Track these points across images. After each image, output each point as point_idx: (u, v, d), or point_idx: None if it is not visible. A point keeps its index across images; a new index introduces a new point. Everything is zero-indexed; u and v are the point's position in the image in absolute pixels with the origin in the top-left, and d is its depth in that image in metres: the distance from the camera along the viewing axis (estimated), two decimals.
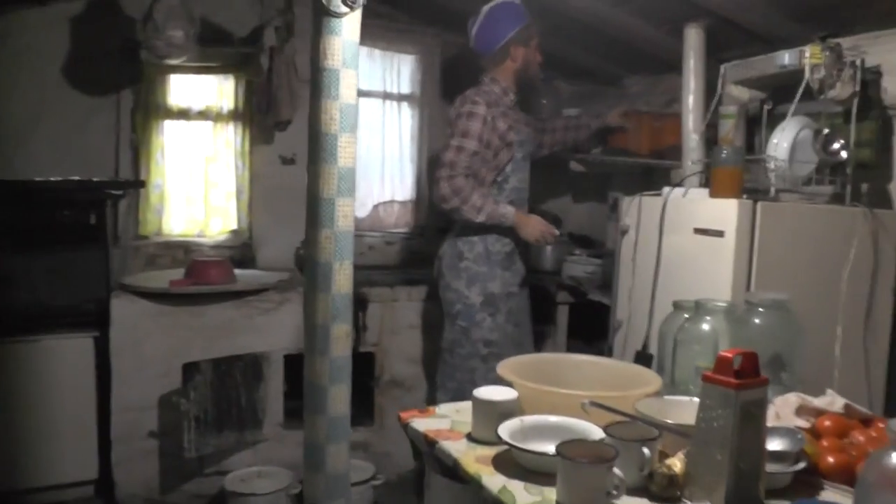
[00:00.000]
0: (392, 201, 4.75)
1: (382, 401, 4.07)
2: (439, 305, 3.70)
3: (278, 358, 3.82)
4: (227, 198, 4.37)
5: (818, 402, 1.79)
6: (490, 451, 1.64)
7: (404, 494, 3.95)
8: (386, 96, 4.64)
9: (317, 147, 2.00)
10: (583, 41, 4.07)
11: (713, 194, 2.61)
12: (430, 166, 4.57)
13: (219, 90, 4.30)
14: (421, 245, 4.72)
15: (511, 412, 1.68)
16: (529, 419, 1.65)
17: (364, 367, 3.97)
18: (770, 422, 1.64)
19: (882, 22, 2.74)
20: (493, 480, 1.51)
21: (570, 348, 4.07)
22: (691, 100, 3.13)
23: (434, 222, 4.69)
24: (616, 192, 4.43)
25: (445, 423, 1.83)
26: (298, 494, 3.63)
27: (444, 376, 3.62)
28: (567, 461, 1.37)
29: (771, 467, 1.45)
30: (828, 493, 1.48)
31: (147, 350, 3.62)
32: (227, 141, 4.33)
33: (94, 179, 3.84)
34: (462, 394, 3.02)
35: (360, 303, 3.91)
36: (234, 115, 4.31)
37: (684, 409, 1.69)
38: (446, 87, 4.68)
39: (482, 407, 1.70)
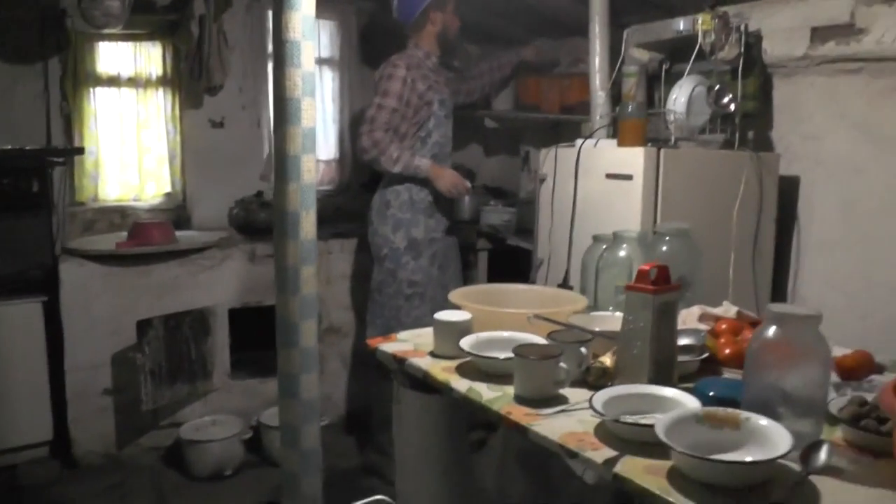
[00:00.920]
0: (317, 160, 4.96)
1: (321, 347, 4.33)
2: (370, 255, 3.99)
3: (223, 312, 4.05)
4: (160, 162, 4.54)
5: (716, 310, 2.18)
6: (452, 364, 1.95)
7: (346, 434, 4.25)
8: None
9: (282, 111, 2.25)
10: (492, 7, 4.34)
11: (621, 143, 2.96)
12: (353, 125, 4.82)
13: (146, 57, 4.44)
14: (346, 200, 4.97)
15: (467, 330, 2.00)
16: (484, 335, 1.98)
17: None
18: (678, 326, 2.01)
19: None
20: (461, 384, 1.83)
21: None
22: (597, 61, 3.46)
23: (357, 179, 4.95)
24: (527, 145, 4.77)
25: (409, 345, 2.13)
26: (249, 439, 3.90)
27: (372, 314, 3.94)
28: (523, 359, 1.71)
29: (681, 358, 1.81)
30: (725, 376, 1.86)
31: (97, 310, 3.79)
32: (158, 106, 4.48)
33: (35, 147, 3.96)
34: (389, 330, 3.37)
35: None
36: (163, 81, 4.46)
37: (607, 321, 2.05)
38: (365, 51, 4.92)
39: (443, 327, 2.01)
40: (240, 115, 4.59)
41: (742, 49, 3.03)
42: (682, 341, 1.88)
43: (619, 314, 1.94)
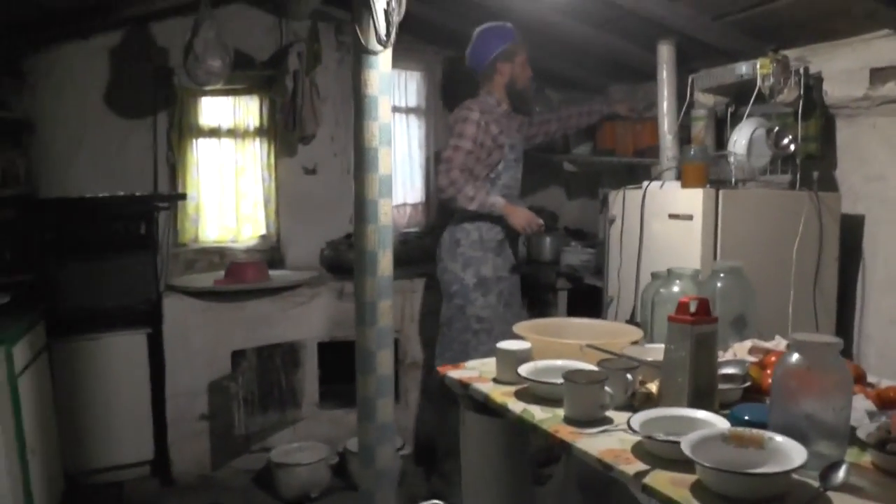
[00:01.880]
0: (405, 204, 5.21)
1: (406, 381, 4.55)
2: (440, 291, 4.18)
3: (312, 345, 4.31)
4: (256, 206, 4.86)
5: (767, 344, 2.29)
6: (511, 388, 2.12)
7: (416, 464, 4.43)
8: (395, 109, 5.12)
9: (361, 159, 2.49)
10: (571, 56, 4.55)
11: (684, 185, 3.10)
12: (435, 166, 5.07)
13: (245, 109, 4.78)
14: (432, 242, 5.17)
15: (526, 358, 2.17)
16: (541, 363, 2.14)
17: None
18: (729, 357, 2.15)
19: (820, 37, 3.22)
20: (517, 406, 2.00)
21: None
22: (665, 106, 3.63)
23: (442, 221, 5.16)
24: (605, 188, 4.91)
25: (475, 372, 2.31)
26: (336, 465, 4.12)
27: (442, 347, 4.10)
28: (571, 383, 1.87)
29: (724, 386, 1.94)
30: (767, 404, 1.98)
31: (196, 342, 4.10)
32: (254, 155, 4.81)
33: (144, 194, 4.33)
34: (456, 363, 3.50)
35: None
36: (260, 132, 4.80)
37: (659, 352, 2.19)
38: (447, 98, 5.16)
39: (504, 355, 2.18)
40: (331, 162, 4.89)
41: (801, 91, 3.14)
42: (726, 371, 2.02)
43: None
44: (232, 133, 4.76)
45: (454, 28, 4.43)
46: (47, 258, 3.91)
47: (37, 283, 3.87)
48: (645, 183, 3.29)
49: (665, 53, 3.61)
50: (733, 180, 3.08)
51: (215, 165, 4.75)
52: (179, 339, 4.09)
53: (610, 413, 1.89)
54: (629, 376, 1.95)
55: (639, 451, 1.66)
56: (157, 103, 4.58)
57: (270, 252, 4.83)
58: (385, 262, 2.52)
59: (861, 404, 1.80)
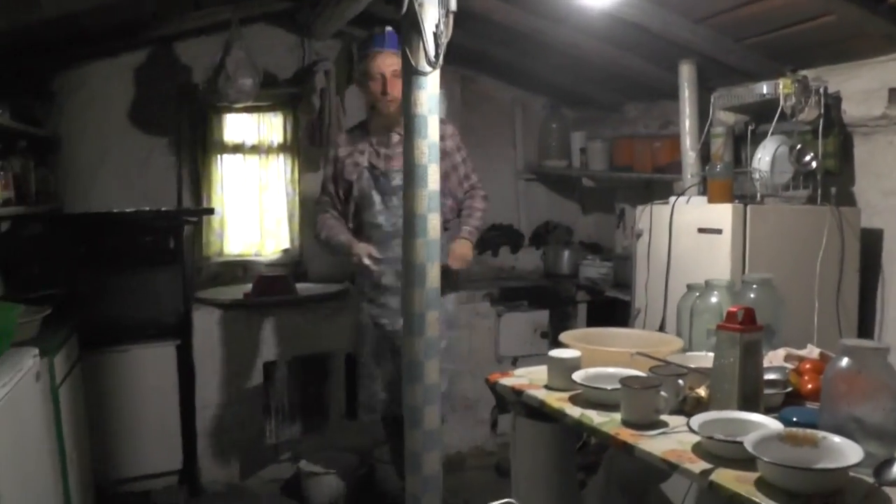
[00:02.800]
0: None
1: None
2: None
3: (340, 357, 4.41)
4: (279, 221, 4.97)
5: (801, 352, 2.42)
6: (565, 395, 2.23)
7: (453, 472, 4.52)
8: None
9: (411, 176, 2.60)
10: (588, 76, 4.67)
11: (711, 200, 3.22)
12: None
13: (269, 126, 4.89)
14: None
15: (577, 366, 2.28)
16: (592, 370, 2.26)
17: None
18: (765, 365, 2.26)
19: (838, 57, 3.35)
20: (574, 411, 2.11)
21: None
22: (687, 124, 3.76)
23: None
24: (622, 203, 5.05)
25: (524, 380, 2.42)
26: (364, 474, 4.21)
27: None
28: (629, 388, 1.99)
29: (767, 391, 2.05)
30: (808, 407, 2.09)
31: (225, 353, 4.19)
32: (278, 171, 4.92)
33: (172, 209, 4.43)
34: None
35: None
36: (283, 148, 4.91)
37: (701, 360, 2.31)
38: (465, 115, 5.29)
39: (557, 363, 2.29)
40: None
41: (821, 110, 3.26)
42: (768, 377, 2.13)
43: (710, 354, 2.19)
44: (256, 149, 4.87)
45: (473, 48, 4.54)
46: (79, 272, 3.99)
47: (70, 296, 3.95)
48: (672, 198, 3.41)
49: (686, 73, 3.74)
50: (758, 196, 3.20)
51: (239, 181, 4.85)
52: (209, 351, 4.18)
53: (664, 417, 2.01)
54: (681, 381, 2.07)
55: (699, 450, 1.78)
56: (180, 120, 4.70)
57: (293, 265, 4.92)
58: (433, 274, 2.63)
59: None
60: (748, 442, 1.64)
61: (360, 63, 3.57)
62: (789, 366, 2.31)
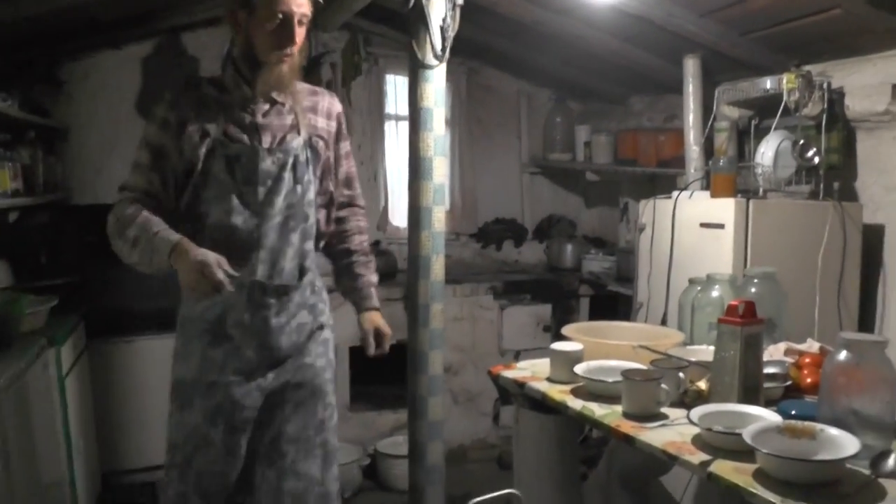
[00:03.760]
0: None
1: None
2: None
3: (344, 349, 4.43)
4: None
5: (801, 346, 2.43)
6: (567, 387, 2.25)
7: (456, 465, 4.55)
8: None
9: (417, 168, 2.63)
10: (594, 68, 4.68)
11: (713, 195, 3.24)
12: (463, 180, 5.20)
13: None
14: (453, 250, 5.30)
15: (579, 359, 2.30)
16: (594, 363, 2.28)
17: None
18: (765, 358, 2.28)
19: (843, 53, 3.36)
20: (575, 403, 2.13)
21: None
22: (691, 118, 3.77)
23: (466, 229, 5.33)
24: (626, 197, 5.06)
25: (527, 372, 2.44)
26: (367, 466, 4.25)
27: None
28: (630, 381, 2.01)
29: (767, 384, 2.07)
30: (806, 400, 2.11)
31: None
32: None
33: None
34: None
35: None
36: None
37: (702, 353, 2.33)
38: (470, 108, 5.30)
39: (559, 356, 2.32)
40: (358, 170, 4.97)
41: (825, 105, 3.27)
42: (768, 370, 2.15)
43: (711, 348, 2.21)
44: None
45: (478, 40, 4.55)
46: (86, 262, 4.01)
47: (77, 286, 3.97)
48: (675, 193, 3.43)
49: (691, 67, 3.75)
50: (761, 190, 3.22)
51: None
52: None
53: (664, 410, 2.03)
54: (681, 374, 2.09)
55: (699, 442, 1.80)
56: None
57: None
58: (438, 266, 2.65)
59: None
60: (747, 434, 1.66)
61: None
62: (789, 360, 2.33)
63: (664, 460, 1.83)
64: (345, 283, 2.63)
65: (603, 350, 2.34)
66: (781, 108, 3.26)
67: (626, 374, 2.03)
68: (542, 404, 2.26)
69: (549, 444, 2.34)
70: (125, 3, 3.67)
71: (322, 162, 2.39)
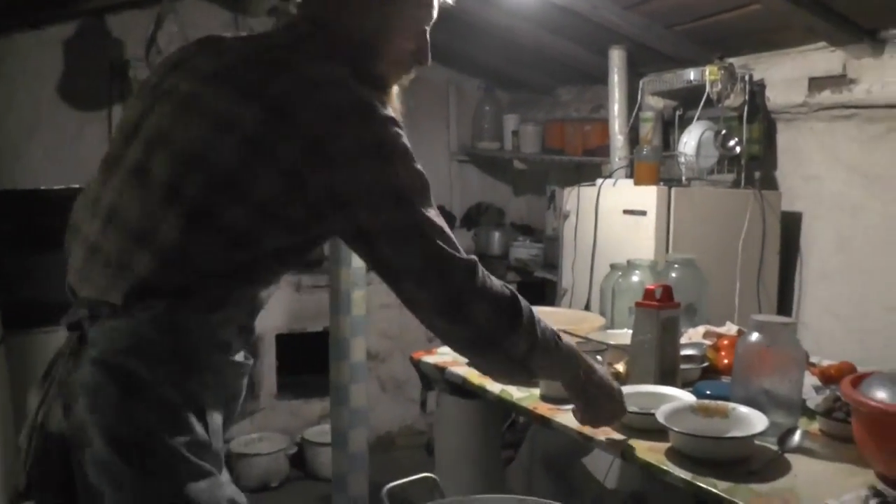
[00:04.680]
0: None
1: None
2: None
3: (271, 338, 4.39)
4: None
5: (720, 329, 2.48)
6: None
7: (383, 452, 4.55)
8: None
9: None
10: (522, 59, 4.69)
11: (637, 183, 3.28)
12: None
13: None
14: None
15: None
16: None
17: None
18: (684, 341, 2.32)
19: (763, 46, 3.43)
20: (494, 387, 2.13)
21: None
22: (616, 108, 3.81)
23: None
24: (553, 185, 5.10)
25: (448, 357, 2.43)
26: (294, 455, 4.21)
27: None
28: None
29: (684, 366, 2.10)
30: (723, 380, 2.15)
31: None
32: None
33: None
34: None
35: None
36: None
37: (622, 336, 2.35)
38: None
39: None
40: None
41: (746, 97, 3.33)
42: (686, 353, 2.19)
43: (631, 331, 2.24)
44: None
45: None
46: (3, 250, 3.90)
47: None
48: (599, 180, 3.46)
49: (616, 58, 3.79)
50: (683, 179, 3.27)
51: None
52: None
53: None
54: (599, 357, 2.10)
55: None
56: (112, 96, 4.57)
57: None
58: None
59: (808, 380, 1.99)
60: (660, 413, 1.69)
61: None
62: (707, 342, 2.37)
63: (583, 443, 1.84)
64: None
65: None
66: (704, 99, 3.31)
67: None
68: (462, 389, 2.25)
69: (469, 428, 2.35)
70: None
71: None
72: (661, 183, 3.21)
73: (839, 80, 3.19)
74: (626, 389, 1.92)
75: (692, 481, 1.52)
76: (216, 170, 1.36)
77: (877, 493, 1.38)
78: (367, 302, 4.54)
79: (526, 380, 1.61)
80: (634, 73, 3.87)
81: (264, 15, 4.59)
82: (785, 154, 3.51)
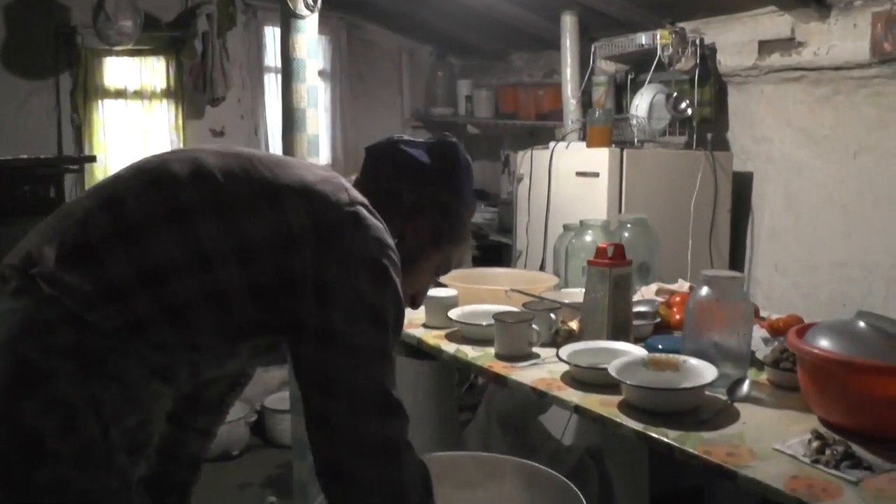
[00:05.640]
0: None
1: None
2: None
3: None
4: None
5: (672, 286, 2.52)
6: (442, 332, 2.26)
7: None
8: None
9: (289, 120, 2.58)
10: (474, 24, 4.68)
11: (589, 145, 3.30)
12: (345, 134, 5.15)
13: (151, 71, 4.74)
14: None
15: (454, 304, 2.32)
16: (468, 307, 2.29)
17: None
18: (637, 299, 2.35)
19: (714, 11, 3.48)
20: (450, 347, 2.15)
21: None
22: (569, 72, 3.83)
23: None
24: (507, 150, 5.12)
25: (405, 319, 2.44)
26: (254, 423, 4.21)
27: None
28: (501, 322, 2.03)
29: (637, 322, 2.13)
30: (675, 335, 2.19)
31: None
32: (162, 117, 4.79)
33: (52, 157, 4.26)
34: None
35: None
36: (167, 94, 4.77)
37: (575, 295, 2.37)
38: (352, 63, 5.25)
39: (433, 301, 2.31)
40: (239, 124, 4.91)
41: (698, 61, 3.37)
42: (639, 309, 2.22)
43: (583, 290, 2.26)
44: (139, 95, 4.72)
45: None
46: None
47: None
48: (552, 143, 3.48)
49: (568, 23, 3.80)
50: (635, 141, 3.30)
51: (122, 128, 4.70)
52: None
53: (536, 350, 2.07)
54: (553, 315, 2.13)
55: (567, 379, 1.84)
56: (59, 63, 4.49)
57: None
58: None
59: (757, 333, 2.03)
60: (612, 368, 1.71)
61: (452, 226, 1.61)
62: (660, 299, 2.40)
63: (539, 401, 1.87)
64: None
65: (477, 295, 2.36)
66: (656, 62, 3.34)
67: (498, 316, 2.05)
68: (418, 350, 2.27)
69: (426, 389, 2.37)
70: None
71: None
72: (614, 145, 3.23)
73: (788, 44, 3.24)
74: (579, 345, 1.95)
75: (644, 432, 1.55)
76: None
77: (819, 437, 1.42)
78: None
79: None
80: (587, 38, 3.89)
81: None
82: (736, 116, 3.56)
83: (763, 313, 2.34)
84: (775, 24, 3.27)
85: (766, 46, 3.34)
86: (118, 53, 4.55)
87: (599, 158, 3.14)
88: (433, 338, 2.24)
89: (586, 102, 3.86)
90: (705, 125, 3.50)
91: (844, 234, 3.09)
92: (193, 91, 4.60)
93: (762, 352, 1.91)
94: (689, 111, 3.36)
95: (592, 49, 3.74)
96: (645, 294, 2.46)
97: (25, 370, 1.16)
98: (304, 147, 2.58)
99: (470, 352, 2.10)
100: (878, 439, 1.45)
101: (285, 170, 1.38)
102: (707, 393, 1.67)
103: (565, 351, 1.89)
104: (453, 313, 2.25)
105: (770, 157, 3.42)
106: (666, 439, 1.51)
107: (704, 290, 1.80)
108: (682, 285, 2.52)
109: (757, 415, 1.63)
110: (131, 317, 1.22)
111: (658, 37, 3.32)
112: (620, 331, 2.05)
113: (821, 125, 3.19)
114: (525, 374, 1.90)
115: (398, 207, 1.49)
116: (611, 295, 2.03)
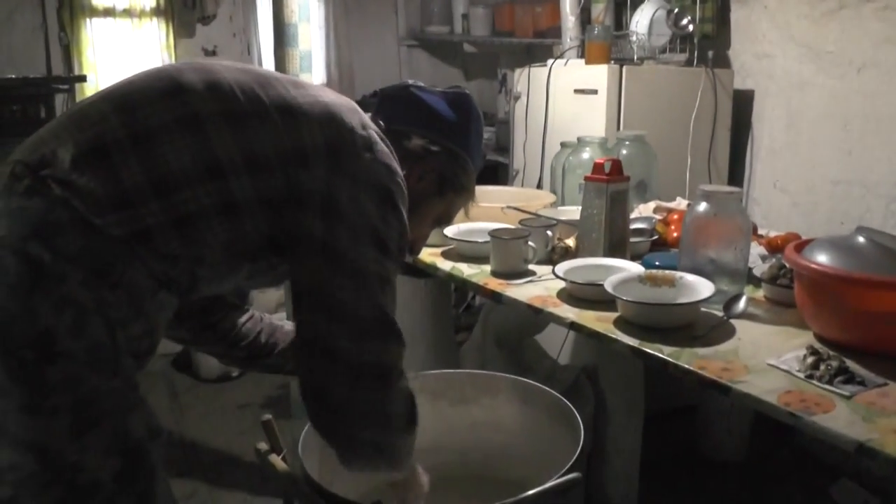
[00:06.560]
0: None
1: None
2: None
3: None
4: None
5: (670, 204, 2.50)
6: (437, 250, 2.26)
7: None
8: None
9: (281, 35, 2.53)
10: None
11: (588, 62, 3.23)
12: (339, 51, 5.05)
13: None
14: None
15: None
16: (464, 225, 2.27)
17: None
18: (634, 216, 2.33)
19: None
20: (445, 265, 2.14)
21: None
22: None
23: None
24: (504, 69, 5.04)
25: None
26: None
27: None
28: (497, 239, 2.02)
29: (634, 239, 2.12)
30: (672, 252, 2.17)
31: None
32: (152, 36, 4.69)
33: (40, 76, 4.19)
34: None
35: None
36: (157, 12, 4.66)
37: (571, 212, 2.36)
38: None
39: None
40: (231, 43, 4.82)
41: None
42: (636, 226, 2.20)
43: (580, 207, 2.24)
44: (128, 13, 4.61)
45: None
46: None
47: None
48: (550, 61, 3.41)
49: None
50: (635, 57, 3.23)
51: (112, 47, 4.61)
52: None
53: (532, 267, 2.06)
54: (549, 232, 2.11)
55: (564, 295, 1.84)
56: None
57: None
58: None
59: (755, 250, 2.01)
60: (608, 284, 1.70)
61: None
62: (657, 217, 2.38)
63: (535, 319, 1.86)
64: None
65: (474, 213, 2.33)
66: None
67: (494, 233, 2.04)
68: (413, 268, 2.25)
69: (422, 307, 2.37)
70: None
71: None
72: (613, 62, 3.17)
73: None
74: (575, 262, 1.94)
75: (639, 347, 1.55)
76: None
77: (814, 352, 1.42)
78: None
79: (374, 468, 1.45)
80: None
81: None
82: (737, 32, 3.47)
83: (761, 231, 2.32)
84: None
85: None
86: None
87: (598, 75, 3.07)
88: (429, 255, 2.22)
89: (585, 19, 3.77)
90: (706, 42, 3.43)
91: (845, 152, 3.05)
92: (183, 8, 4.50)
93: (759, 268, 1.90)
94: (691, 27, 3.28)
95: None
96: (642, 211, 2.45)
97: (38, 270, 1.16)
98: (296, 62, 2.54)
99: (466, 269, 2.09)
100: (873, 354, 1.45)
101: (301, 89, 1.38)
102: (703, 309, 1.66)
103: (561, 268, 1.88)
104: (449, 231, 2.24)
105: (772, 73, 3.36)
106: (661, 355, 1.50)
107: (702, 206, 1.78)
108: (681, 203, 2.50)
109: (752, 331, 1.62)
110: (140, 224, 1.22)
111: None
112: (617, 247, 2.03)
113: (824, 41, 3.12)
114: (521, 291, 1.89)
115: (407, 150, 1.50)
116: (608, 211, 2.01)
